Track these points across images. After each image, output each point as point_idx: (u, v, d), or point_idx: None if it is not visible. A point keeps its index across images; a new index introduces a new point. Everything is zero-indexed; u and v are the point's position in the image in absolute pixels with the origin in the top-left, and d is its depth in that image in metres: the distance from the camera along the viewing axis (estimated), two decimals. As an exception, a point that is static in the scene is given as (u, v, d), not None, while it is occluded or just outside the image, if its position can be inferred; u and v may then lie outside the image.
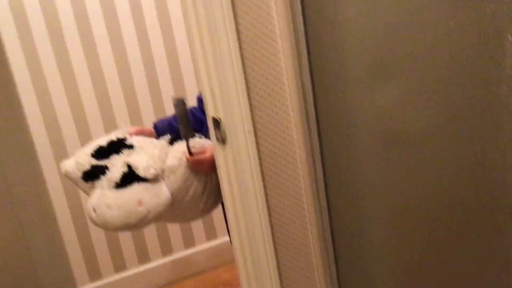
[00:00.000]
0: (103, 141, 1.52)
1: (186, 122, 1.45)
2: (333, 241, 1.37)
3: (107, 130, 2.36)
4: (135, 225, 1.41)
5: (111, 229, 1.44)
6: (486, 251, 0.89)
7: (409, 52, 0.93)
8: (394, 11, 0.94)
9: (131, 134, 1.59)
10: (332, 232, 1.36)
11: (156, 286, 2.59)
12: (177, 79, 2.52)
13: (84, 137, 2.36)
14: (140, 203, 1.38)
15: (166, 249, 2.63)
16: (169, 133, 1.57)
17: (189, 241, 2.68)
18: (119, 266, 2.54)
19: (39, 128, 2.29)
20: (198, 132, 1.58)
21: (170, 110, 2.36)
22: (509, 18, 0.70)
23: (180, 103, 1.46)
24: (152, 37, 2.43)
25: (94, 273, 2.49)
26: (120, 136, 1.54)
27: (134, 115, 2.46)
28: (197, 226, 2.67)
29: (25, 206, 0.45)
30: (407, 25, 0.91)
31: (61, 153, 2.34)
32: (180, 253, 2.66)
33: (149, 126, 1.76)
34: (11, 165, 0.46)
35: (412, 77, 0.94)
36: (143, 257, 2.58)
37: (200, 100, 1.73)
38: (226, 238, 2.61)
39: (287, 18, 1.19)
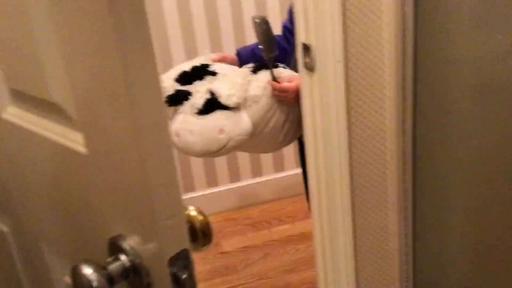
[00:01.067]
0: (186, 66, 1.52)
1: (270, 44, 1.40)
2: (414, 185, 1.32)
3: (189, 56, 2.36)
4: (215, 152, 1.43)
5: (192, 154, 1.47)
6: None
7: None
8: None
9: (214, 61, 1.57)
10: (413, 174, 1.30)
11: (222, 210, 2.66)
12: (260, 3, 2.44)
13: (166, 62, 2.37)
14: (221, 131, 1.39)
15: (234, 176, 2.67)
16: (253, 61, 1.54)
17: (256, 171, 2.70)
18: (189, 187, 2.62)
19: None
20: (282, 62, 1.53)
21: (251, 39, 2.31)
22: None
23: (263, 22, 1.41)
24: None
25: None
26: (203, 62, 1.53)
27: (215, 42, 2.43)
28: (266, 156, 2.68)
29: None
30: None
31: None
32: (248, 181, 2.70)
33: (231, 53, 1.73)
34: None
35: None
36: (212, 181, 2.64)
37: (285, 27, 1.66)
38: (293, 171, 2.62)
39: None
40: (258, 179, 2.71)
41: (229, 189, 2.68)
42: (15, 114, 0.75)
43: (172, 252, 0.54)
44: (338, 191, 1.29)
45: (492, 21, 0.98)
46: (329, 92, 1.18)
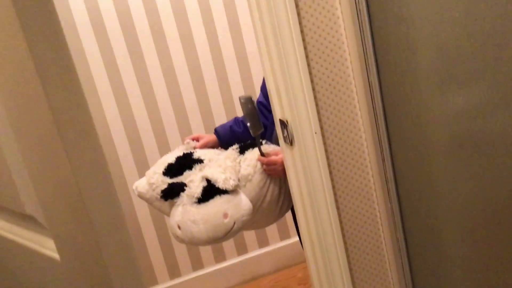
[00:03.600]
0: (170, 158, 1.55)
1: (256, 121, 1.46)
2: (406, 241, 1.34)
3: (182, 133, 2.45)
4: (222, 238, 1.43)
5: (198, 243, 1.45)
6: None
7: (485, 53, 0.89)
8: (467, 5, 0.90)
9: (195, 147, 1.62)
10: (404, 232, 1.33)
11: (232, 284, 2.65)
12: (247, 81, 2.56)
13: (161, 141, 2.46)
14: (225, 215, 1.40)
15: (241, 249, 2.69)
16: (232, 139, 1.58)
17: (264, 242, 2.72)
18: (197, 265, 2.62)
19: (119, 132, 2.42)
20: (262, 138, 1.58)
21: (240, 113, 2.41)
22: None
23: (248, 101, 1.47)
24: (222, 39, 2.48)
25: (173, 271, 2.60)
26: (185, 151, 1.57)
27: (207, 121, 2.52)
28: (271, 226, 2.70)
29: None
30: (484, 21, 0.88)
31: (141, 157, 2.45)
32: (255, 252, 2.71)
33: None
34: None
35: (489, 80, 0.91)
36: (220, 257, 2.66)
37: (260, 103, 1.72)
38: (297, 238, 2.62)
39: (352, 17, 1.18)
40: (265, 249, 2.72)
41: (237, 261, 2.68)
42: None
43: None
44: (334, 257, 1.32)
45: (456, 80, 1.04)
46: (310, 162, 1.24)
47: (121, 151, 2.43)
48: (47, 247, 0.64)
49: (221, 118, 2.51)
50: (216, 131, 1.74)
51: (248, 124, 1.48)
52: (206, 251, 2.63)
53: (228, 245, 2.66)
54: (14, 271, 0.75)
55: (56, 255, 0.63)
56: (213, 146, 1.70)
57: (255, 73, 2.56)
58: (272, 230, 2.72)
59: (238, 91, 2.53)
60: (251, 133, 1.49)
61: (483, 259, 1.11)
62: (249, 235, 2.69)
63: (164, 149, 2.43)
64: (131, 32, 2.35)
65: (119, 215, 0.53)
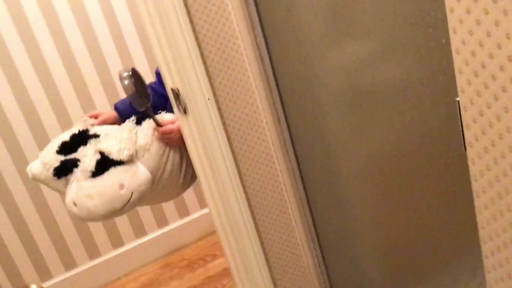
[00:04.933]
0: (65, 136, 1.48)
1: (143, 95, 1.40)
2: (308, 199, 1.38)
3: (62, 124, 2.34)
4: (120, 210, 1.39)
5: (96, 219, 1.40)
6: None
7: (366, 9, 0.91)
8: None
9: (93, 125, 1.55)
10: (305, 191, 1.36)
11: (156, 257, 2.64)
12: (126, 59, 2.46)
13: (38, 131, 2.34)
14: (121, 186, 1.36)
15: (162, 221, 2.67)
16: (133, 113, 1.54)
17: (184, 212, 2.71)
18: (117, 242, 2.58)
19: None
20: (164, 110, 1.54)
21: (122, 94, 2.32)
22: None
23: (131, 74, 1.39)
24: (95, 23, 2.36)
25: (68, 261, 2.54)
26: (81, 128, 1.51)
27: (87, 104, 2.42)
28: (190, 196, 2.69)
29: None
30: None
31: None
32: (177, 223, 2.70)
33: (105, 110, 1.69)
34: None
35: (373, 34, 0.92)
36: (140, 231, 2.62)
37: (158, 74, 1.67)
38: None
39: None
40: (186, 219, 2.72)
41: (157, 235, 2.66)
42: None
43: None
44: (240, 220, 1.33)
45: (339, 37, 1.05)
46: (206, 129, 1.23)
47: (22, 137, 2.29)
48: None
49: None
50: (116, 107, 1.68)
51: (131, 100, 1.42)
52: (125, 227, 2.58)
53: (148, 219, 2.62)
54: None
55: None
56: (113, 122, 1.64)
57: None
58: (191, 199, 2.70)
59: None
60: (138, 108, 1.43)
61: (378, 209, 1.16)
62: (169, 207, 2.66)
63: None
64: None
65: None
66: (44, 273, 2.47)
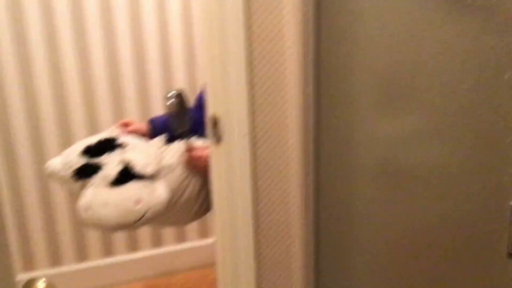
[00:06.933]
0: (92, 140, 1.48)
1: (183, 118, 1.41)
2: (317, 256, 1.33)
3: (91, 130, 2.35)
4: (131, 225, 1.37)
5: (104, 228, 1.39)
6: None
7: (423, 81, 0.90)
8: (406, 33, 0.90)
9: (123, 133, 1.55)
10: (317, 245, 1.32)
11: (142, 276, 2.57)
12: (168, 79, 2.49)
13: (66, 136, 2.35)
14: (138, 201, 1.34)
15: (157, 241, 2.62)
16: (164, 132, 1.53)
17: (181, 237, 2.66)
18: (108, 250, 2.53)
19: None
20: (194, 134, 1.54)
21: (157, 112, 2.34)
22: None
23: (171, 97, 1.40)
24: (145, 34, 2.40)
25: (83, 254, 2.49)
26: (109, 136, 1.51)
27: (118, 112, 2.43)
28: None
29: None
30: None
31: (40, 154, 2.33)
32: (171, 247, 2.64)
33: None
34: None
35: (424, 108, 0.91)
36: (133, 245, 2.57)
37: (199, 99, 1.68)
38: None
39: (299, 26, 1.17)
40: (180, 245, 2.66)
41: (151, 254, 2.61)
42: None
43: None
44: (243, 259, 1.29)
45: (391, 108, 1.04)
46: (234, 162, 1.21)
47: (47, 132, 2.30)
48: None
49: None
50: (151, 121, 1.68)
51: (170, 119, 1.43)
52: (119, 238, 2.53)
53: (144, 235, 2.58)
54: None
55: None
56: (142, 135, 1.63)
57: (177, 70, 2.50)
58: (192, 226, 2.66)
59: (158, 92, 2.45)
60: (176, 131, 1.42)
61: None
62: (167, 228, 2.62)
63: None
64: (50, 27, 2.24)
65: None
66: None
